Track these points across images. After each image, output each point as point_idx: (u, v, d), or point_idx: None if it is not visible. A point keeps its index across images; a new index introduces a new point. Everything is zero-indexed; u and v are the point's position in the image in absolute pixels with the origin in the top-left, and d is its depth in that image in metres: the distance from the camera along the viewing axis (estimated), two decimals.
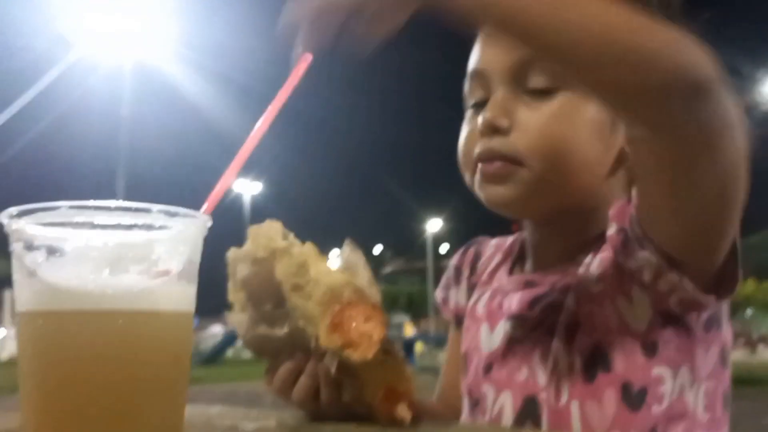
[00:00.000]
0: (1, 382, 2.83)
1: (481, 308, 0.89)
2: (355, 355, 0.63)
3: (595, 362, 0.72)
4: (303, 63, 0.59)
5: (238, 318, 0.71)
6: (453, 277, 0.99)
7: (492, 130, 0.76)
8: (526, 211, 0.83)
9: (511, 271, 0.89)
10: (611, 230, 0.71)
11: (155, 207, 0.42)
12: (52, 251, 0.41)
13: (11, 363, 17.12)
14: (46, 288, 0.41)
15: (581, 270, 0.76)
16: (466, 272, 0.98)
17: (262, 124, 0.55)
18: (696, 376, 0.72)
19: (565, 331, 0.74)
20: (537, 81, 0.75)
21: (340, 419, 0.73)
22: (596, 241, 0.77)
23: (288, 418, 0.73)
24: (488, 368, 0.82)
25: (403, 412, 0.67)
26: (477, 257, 0.98)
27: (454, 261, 1.00)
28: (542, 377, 0.75)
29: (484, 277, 0.93)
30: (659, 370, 0.70)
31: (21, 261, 0.42)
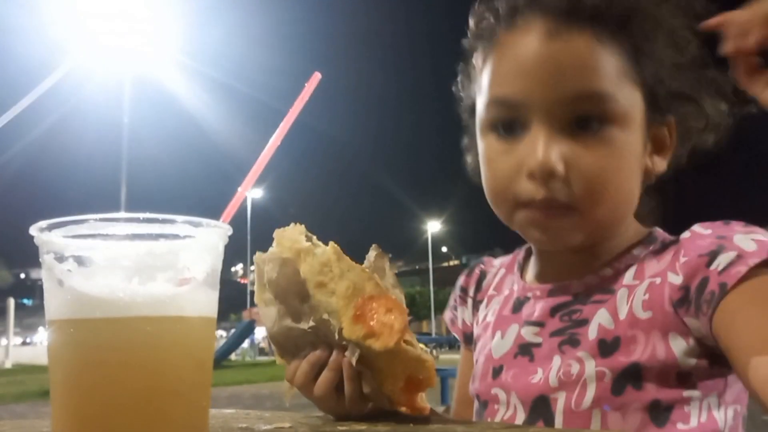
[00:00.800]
0: (6, 390, 2.84)
1: (490, 316, 0.91)
2: (377, 344, 0.66)
3: (627, 379, 0.71)
4: (313, 80, 0.61)
5: (265, 313, 0.74)
6: (459, 297, 1.01)
7: (549, 175, 0.72)
8: (567, 246, 0.81)
9: (522, 276, 0.89)
10: (676, 276, 0.71)
11: (180, 218, 0.43)
12: (81, 262, 0.43)
13: (15, 370, 17.13)
14: (77, 297, 0.43)
15: (620, 292, 0.76)
16: (471, 291, 0.99)
17: (276, 138, 0.57)
18: (722, 400, 0.72)
19: (599, 347, 0.74)
20: (589, 117, 0.72)
21: (360, 417, 0.75)
22: (616, 250, 0.79)
23: (301, 419, 0.75)
24: (498, 371, 0.83)
25: (423, 402, 0.70)
26: (482, 276, 0.99)
27: (460, 282, 1.02)
28: (555, 381, 0.75)
29: (492, 290, 0.95)
30: (690, 393, 0.70)
31: (51, 271, 0.44)
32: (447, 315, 1.05)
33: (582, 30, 0.72)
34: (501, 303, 0.89)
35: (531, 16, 0.74)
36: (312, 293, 0.69)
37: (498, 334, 0.86)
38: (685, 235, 0.75)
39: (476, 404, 0.87)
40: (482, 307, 0.95)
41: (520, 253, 0.94)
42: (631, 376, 0.71)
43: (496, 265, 0.98)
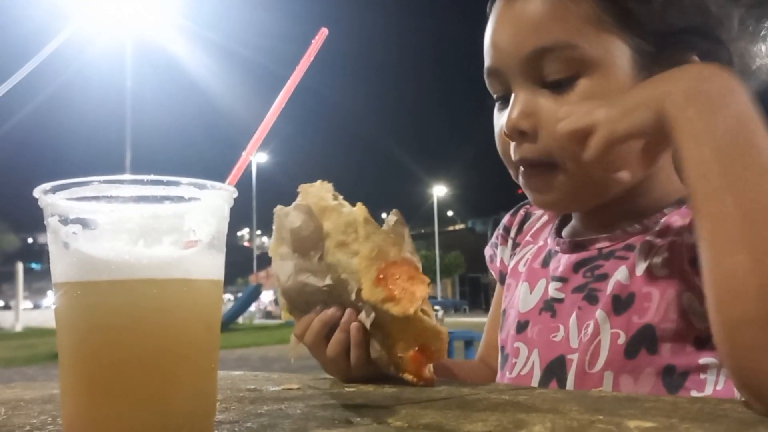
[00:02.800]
0: (17, 353, 2.89)
1: (522, 266, 0.91)
2: (396, 309, 0.66)
3: (641, 341, 0.71)
4: (320, 37, 0.60)
5: (280, 266, 0.74)
6: (501, 235, 1.01)
7: (518, 135, 0.75)
8: (573, 208, 0.85)
9: (558, 231, 0.89)
10: (690, 236, 0.69)
11: (185, 180, 0.43)
12: (86, 224, 0.42)
13: (25, 334, 17.38)
14: (83, 260, 0.42)
15: (639, 247, 0.75)
16: (513, 232, 1.00)
17: (282, 98, 0.56)
18: None
19: (613, 304, 0.73)
20: (554, 71, 0.73)
21: (365, 380, 0.75)
22: (647, 209, 0.78)
23: (309, 381, 0.75)
24: (523, 326, 0.84)
25: (431, 372, 0.70)
26: (526, 217, 0.99)
27: (504, 221, 1.02)
28: (575, 341, 0.76)
29: (529, 236, 0.95)
30: (706, 360, 0.69)
31: (56, 234, 0.43)
32: (487, 251, 1.05)
33: None
34: (534, 254, 0.89)
35: None
36: (332, 252, 0.69)
37: (526, 286, 0.86)
38: None
39: (500, 354, 0.88)
40: (518, 251, 0.96)
41: None
42: (646, 339, 0.70)
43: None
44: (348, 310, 0.72)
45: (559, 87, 0.73)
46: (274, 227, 0.74)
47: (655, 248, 0.74)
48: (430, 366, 0.70)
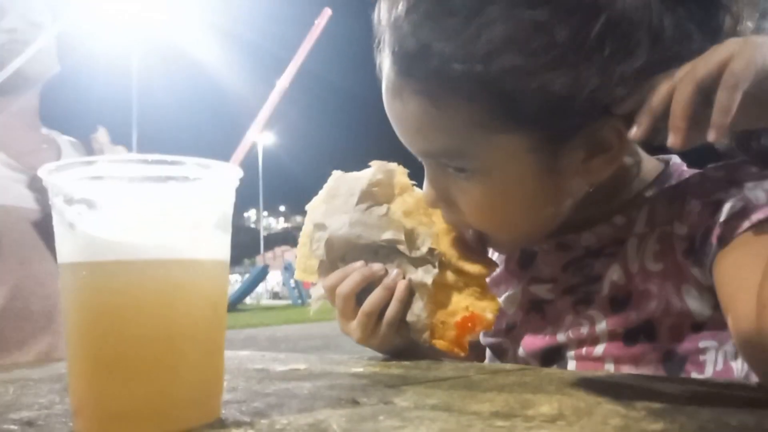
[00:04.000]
0: None
1: (499, 268, 0.90)
2: (473, 268, 0.71)
3: (639, 332, 0.70)
4: (323, 17, 0.59)
5: (331, 216, 0.76)
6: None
7: (439, 206, 0.74)
8: (533, 244, 0.81)
9: None
10: (681, 226, 0.68)
11: (190, 160, 0.43)
12: (92, 205, 0.42)
13: None
14: (88, 240, 0.42)
15: (630, 243, 0.73)
16: None
17: (285, 79, 0.55)
18: None
19: (611, 305, 0.72)
20: (452, 164, 0.68)
21: (380, 348, 0.77)
22: (627, 196, 0.75)
23: (316, 361, 0.76)
24: (511, 327, 0.82)
25: (467, 342, 0.71)
26: None
27: None
28: (565, 339, 0.75)
29: None
30: (705, 343, 0.68)
31: (62, 215, 0.43)
32: None
33: (417, 91, 0.65)
34: (518, 257, 0.85)
35: (386, 60, 0.69)
36: (398, 215, 0.74)
37: (511, 289, 0.85)
38: (695, 177, 0.72)
39: (488, 356, 0.88)
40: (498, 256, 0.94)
41: None
42: (644, 330, 0.70)
43: None
44: (396, 270, 0.72)
45: (461, 174, 0.69)
46: (326, 186, 0.78)
47: (645, 242, 0.72)
48: (469, 336, 0.71)
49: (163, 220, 0.42)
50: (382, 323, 0.73)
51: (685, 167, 0.77)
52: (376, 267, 0.74)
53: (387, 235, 0.72)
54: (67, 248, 0.44)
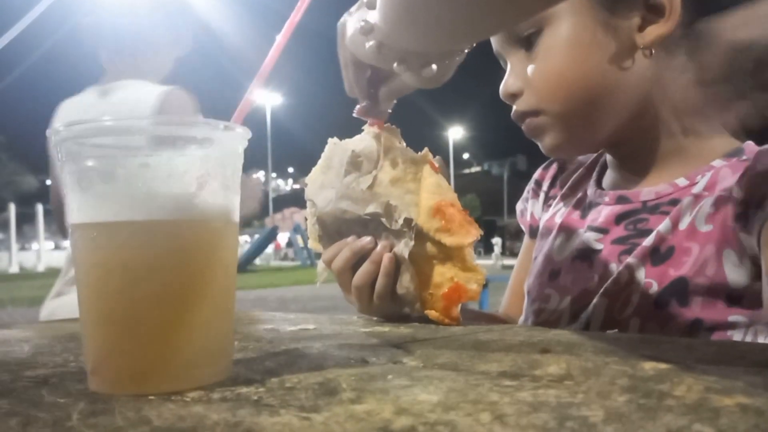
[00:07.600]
0: (39, 292, 2.98)
1: (558, 217, 0.91)
2: (450, 240, 0.69)
3: (672, 293, 0.71)
4: None
5: (318, 192, 0.77)
6: (532, 189, 1.02)
7: (510, 97, 0.83)
8: (580, 149, 0.87)
9: (598, 183, 0.90)
10: (738, 191, 0.69)
11: (198, 120, 0.42)
12: (101, 165, 0.42)
13: (47, 274, 17.78)
14: (99, 201, 0.42)
15: (685, 200, 0.75)
16: (545, 185, 1.00)
17: (283, 36, 0.54)
18: None
19: (651, 255, 0.73)
20: (523, 28, 0.79)
21: (380, 315, 0.77)
22: (694, 162, 0.77)
23: (325, 321, 0.76)
24: (556, 273, 0.84)
25: (457, 312, 0.71)
26: (559, 172, 1.00)
27: (536, 175, 1.03)
28: (608, 289, 0.75)
29: (566, 189, 0.95)
30: (736, 318, 0.68)
31: (72, 175, 0.43)
32: (518, 206, 1.06)
33: None
34: (572, 205, 0.90)
35: None
36: (384, 185, 0.72)
37: (562, 235, 0.87)
38: (762, 152, 0.72)
39: (526, 300, 0.89)
40: (553, 203, 0.96)
41: (599, 157, 0.95)
42: (677, 291, 0.70)
43: (575, 162, 0.99)
44: (382, 243, 0.73)
45: (529, 45, 0.80)
46: (323, 155, 0.77)
47: (701, 203, 0.73)
48: (458, 308, 0.71)
49: (172, 179, 0.42)
50: (374, 296, 0.74)
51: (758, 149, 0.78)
52: (365, 240, 0.74)
53: (370, 209, 0.72)
54: (77, 209, 0.44)
